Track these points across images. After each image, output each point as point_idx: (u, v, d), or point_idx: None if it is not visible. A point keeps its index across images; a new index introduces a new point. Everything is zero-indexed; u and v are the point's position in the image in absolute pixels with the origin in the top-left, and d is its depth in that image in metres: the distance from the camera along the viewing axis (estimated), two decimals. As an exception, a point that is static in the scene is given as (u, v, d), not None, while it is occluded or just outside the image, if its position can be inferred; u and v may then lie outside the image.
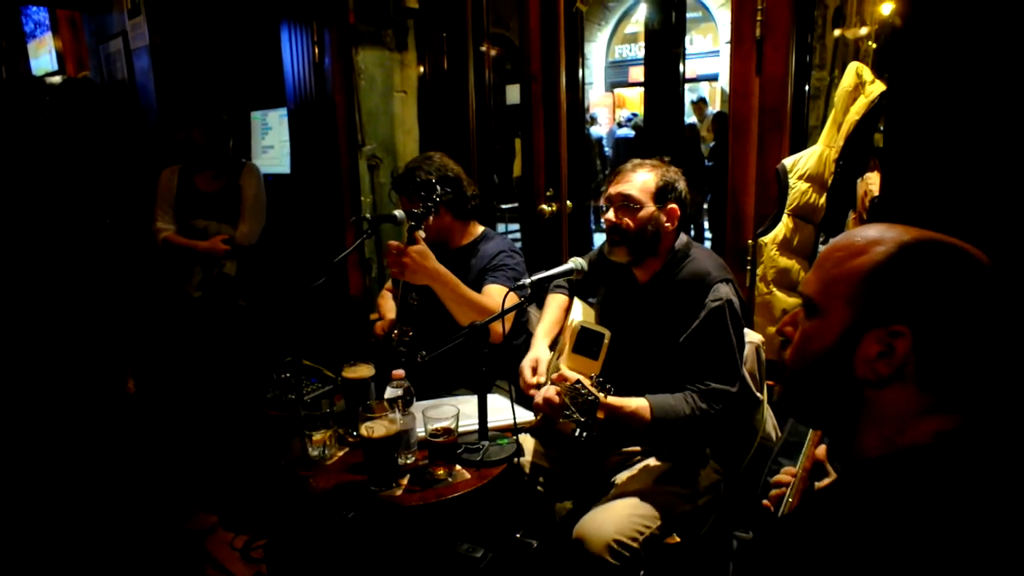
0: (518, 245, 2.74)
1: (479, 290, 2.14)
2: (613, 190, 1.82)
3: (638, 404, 1.68)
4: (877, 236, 0.80)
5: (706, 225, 7.32)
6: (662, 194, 1.79)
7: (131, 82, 4.40)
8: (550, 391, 1.67)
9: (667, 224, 1.80)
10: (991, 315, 0.74)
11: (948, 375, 0.75)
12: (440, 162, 2.26)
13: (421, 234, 1.95)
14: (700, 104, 8.32)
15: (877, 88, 1.92)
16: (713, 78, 10.63)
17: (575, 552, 1.62)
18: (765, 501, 1.14)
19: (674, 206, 1.81)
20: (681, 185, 1.82)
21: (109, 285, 2.26)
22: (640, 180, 1.79)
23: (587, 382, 1.56)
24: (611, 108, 10.98)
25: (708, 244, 6.18)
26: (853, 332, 0.78)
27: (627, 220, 1.78)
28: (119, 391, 2.38)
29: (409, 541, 1.69)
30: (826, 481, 1.09)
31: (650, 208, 1.78)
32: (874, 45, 2.20)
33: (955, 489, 0.69)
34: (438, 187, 1.97)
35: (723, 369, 1.70)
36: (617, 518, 1.63)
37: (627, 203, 1.78)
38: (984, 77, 1.21)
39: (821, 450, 1.12)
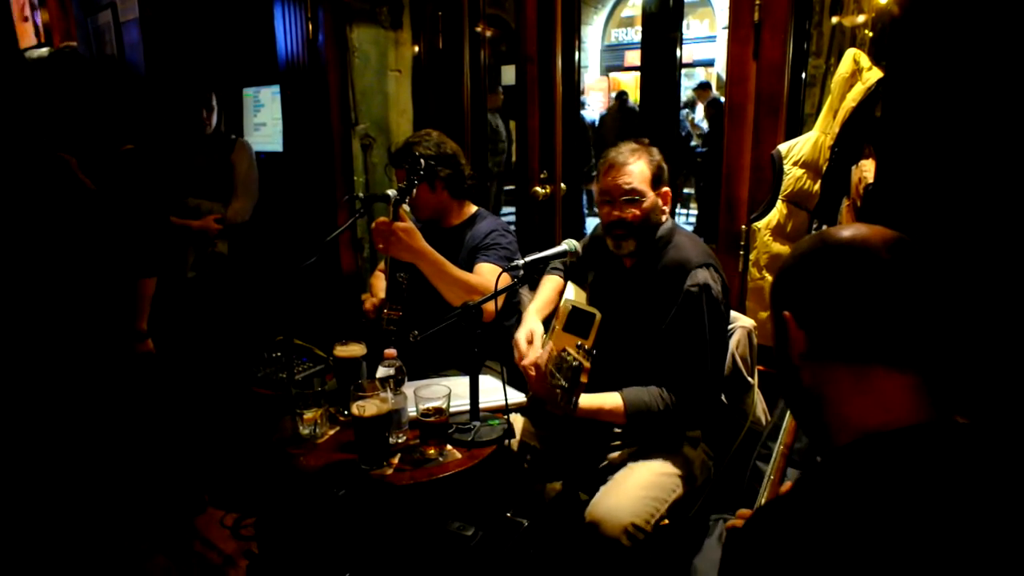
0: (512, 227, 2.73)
1: (471, 268, 2.14)
2: (614, 183, 1.81)
3: (613, 404, 1.71)
4: (804, 239, 0.91)
5: (689, 209, 7.35)
6: (657, 180, 1.84)
7: (120, 56, 4.33)
8: (539, 356, 1.69)
9: (664, 207, 1.86)
10: (857, 280, 0.81)
11: (839, 337, 0.82)
12: (438, 139, 2.26)
13: (406, 208, 1.95)
14: (704, 90, 8.23)
15: (874, 75, 1.92)
16: (709, 63, 10.59)
17: (588, 535, 1.64)
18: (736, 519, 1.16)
19: (667, 189, 1.87)
20: (664, 164, 1.88)
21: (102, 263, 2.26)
22: (638, 170, 1.80)
23: (573, 350, 1.57)
24: (606, 92, 10.92)
25: (690, 228, 6.22)
26: (776, 328, 0.90)
27: (633, 212, 1.80)
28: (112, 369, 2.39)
29: (400, 519, 1.69)
30: None
31: (651, 196, 1.81)
32: (871, 33, 2.19)
33: (921, 472, 0.72)
34: (421, 161, 1.96)
35: (697, 358, 1.72)
36: (631, 501, 1.65)
37: (632, 196, 1.79)
38: (981, 66, 1.21)
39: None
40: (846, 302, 0.81)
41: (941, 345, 0.80)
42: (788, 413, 1.18)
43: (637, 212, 1.79)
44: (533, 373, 1.71)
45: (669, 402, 1.70)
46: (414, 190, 1.99)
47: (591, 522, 1.64)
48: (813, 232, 0.88)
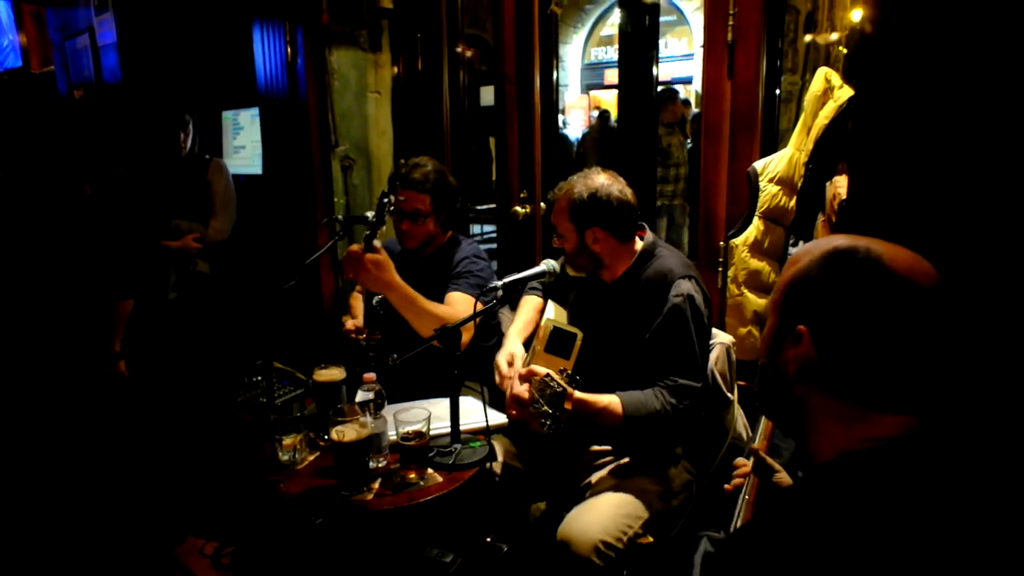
0: (493, 247, 2.73)
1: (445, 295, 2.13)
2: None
3: (609, 400, 1.69)
4: (811, 247, 0.84)
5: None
6: (579, 220, 1.81)
7: (99, 80, 4.31)
8: (519, 388, 1.67)
9: (595, 245, 1.82)
10: (900, 323, 0.75)
11: (857, 378, 0.77)
12: (440, 168, 2.28)
13: (378, 243, 1.93)
14: (684, 107, 8.31)
15: (845, 93, 1.95)
16: (687, 81, 10.71)
17: (560, 554, 1.62)
18: (727, 485, 1.18)
19: (595, 228, 1.80)
20: (603, 198, 1.78)
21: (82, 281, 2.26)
22: (558, 208, 1.85)
23: (556, 375, 1.57)
24: (587, 110, 11.01)
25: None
26: (778, 335, 0.83)
27: (564, 245, 1.87)
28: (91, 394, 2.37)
29: (379, 546, 1.67)
30: (780, 476, 1.11)
31: (573, 236, 1.84)
32: (844, 51, 2.23)
33: (888, 497, 0.70)
34: (392, 197, 1.94)
35: (687, 364, 1.72)
36: (602, 519, 1.64)
37: (556, 232, 1.87)
38: (949, 83, 1.23)
39: (760, 444, 1.16)
40: (876, 349, 0.75)
41: (949, 395, 0.77)
42: (760, 431, 1.18)
43: (565, 246, 1.86)
44: (515, 412, 1.70)
45: (665, 403, 1.68)
46: (383, 227, 1.98)
47: (562, 541, 1.63)
48: (841, 240, 0.83)
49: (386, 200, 1.91)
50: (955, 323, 0.76)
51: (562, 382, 1.55)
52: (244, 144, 3.87)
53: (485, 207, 5.67)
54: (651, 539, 1.74)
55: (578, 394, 1.63)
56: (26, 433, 2.20)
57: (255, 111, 3.67)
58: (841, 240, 0.81)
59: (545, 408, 1.54)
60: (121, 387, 2.49)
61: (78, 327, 2.28)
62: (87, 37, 4.30)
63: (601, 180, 1.81)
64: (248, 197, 3.53)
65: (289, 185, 3.53)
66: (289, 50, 3.32)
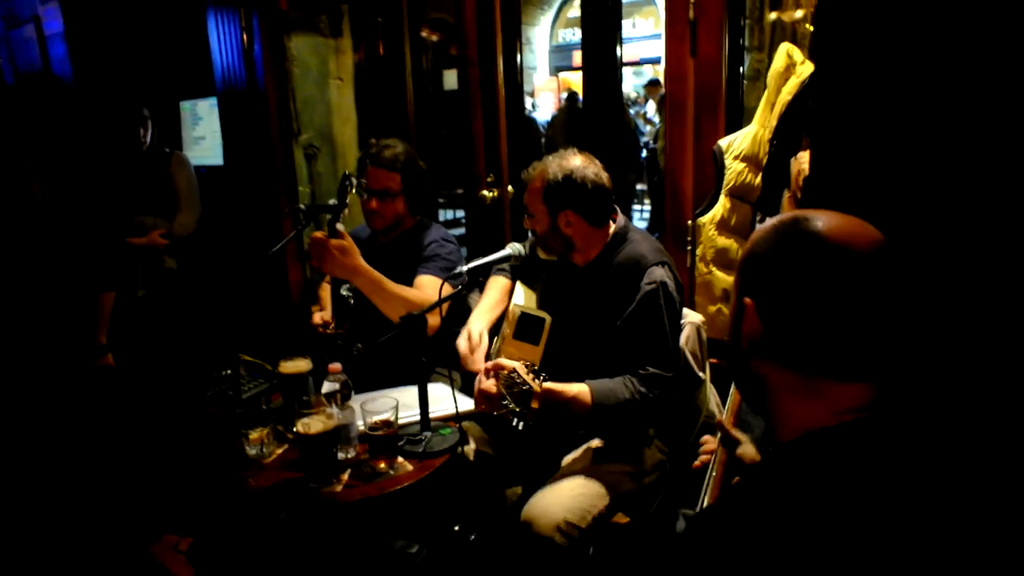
0: (461, 231, 2.69)
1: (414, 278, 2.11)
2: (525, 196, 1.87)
3: (578, 389, 1.68)
4: (765, 224, 0.85)
5: (644, 205, 7.39)
6: (552, 202, 1.78)
7: (47, 71, 4.17)
8: (487, 383, 1.66)
9: (567, 229, 1.80)
10: (835, 289, 0.75)
11: (802, 347, 0.78)
12: (410, 150, 2.25)
13: (340, 227, 1.90)
14: (654, 86, 8.33)
15: (807, 69, 1.95)
16: (655, 61, 10.72)
17: (522, 535, 1.61)
18: (695, 463, 1.18)
19: (568, 211, 1.78)
20: (578, 181, 1.76)
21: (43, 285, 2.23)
22: (532, 189, 1.82)
23: (523, 371, 1.55)
24: (556, 92, 10.98)
25: (643, 225, 6.24)
26: (736, 312, 0.86)
27: (535, 227, 1.85)
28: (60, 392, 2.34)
29: (347, 538, 1.65)
30: (744, 448, 1.12)
31: (545, 218, 1.81)
32: (811, 28, 2.23)
33: (852, 472, 0.71)
34: (353, 179, 1.91)
35: (659, 353, 1.72)
36: (565, 499, 1.63)
37: (528, 212, 1.85)
38: (907, 56, 1.23)
39: (727, 418, 1.17)
40: (815, 317, 0.76)
41: (902, 361, 0.77)
42: (728, 406, 1.18)
43: (536, 227, 1.84)
44: (482, 399, 1.68)
45: (635, 391, 1.68)
46: (346, 210, 1.94)
47: (524, 521, 1.61)
48: (791, 214, 0.83)
49: (348, 183, 1.88)
50: (899, 286, 0.75)
51: (528, 379, 1.53)
52: (204, 135, 3.78)
53: (454, 192, 5.64)
54: (627, 519, 1.75)
55: (546, 384, 1.62)
56: (8, 431, 2.16)
57: (214, 101, 3.58)
58: (787, 215, 0.82)
59: (513, 406, 1.53)
60: (110, 380, 2.48)
61: (54, 321, 2.25)
62: (32, 27, 4.15)
63: (577, 162, 1.78)
64: (210, 189, 3.46)
65: (252, 175, 3.46)
66: (245, 37, 3.23)
